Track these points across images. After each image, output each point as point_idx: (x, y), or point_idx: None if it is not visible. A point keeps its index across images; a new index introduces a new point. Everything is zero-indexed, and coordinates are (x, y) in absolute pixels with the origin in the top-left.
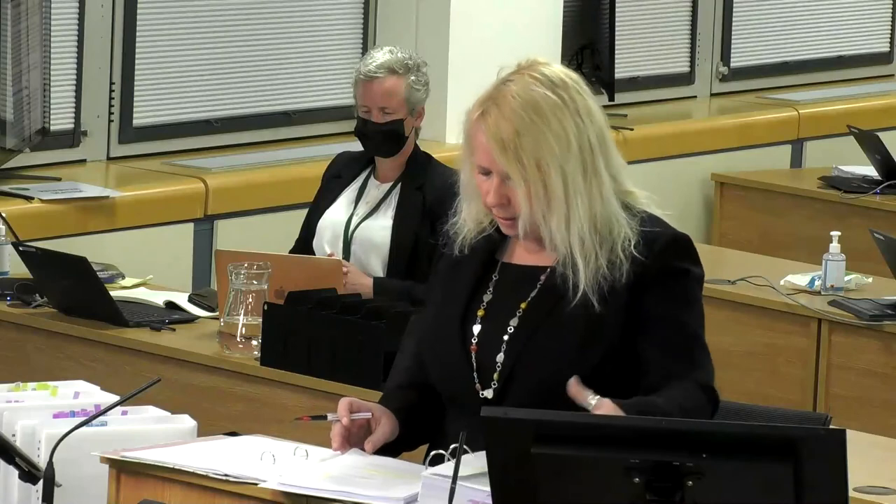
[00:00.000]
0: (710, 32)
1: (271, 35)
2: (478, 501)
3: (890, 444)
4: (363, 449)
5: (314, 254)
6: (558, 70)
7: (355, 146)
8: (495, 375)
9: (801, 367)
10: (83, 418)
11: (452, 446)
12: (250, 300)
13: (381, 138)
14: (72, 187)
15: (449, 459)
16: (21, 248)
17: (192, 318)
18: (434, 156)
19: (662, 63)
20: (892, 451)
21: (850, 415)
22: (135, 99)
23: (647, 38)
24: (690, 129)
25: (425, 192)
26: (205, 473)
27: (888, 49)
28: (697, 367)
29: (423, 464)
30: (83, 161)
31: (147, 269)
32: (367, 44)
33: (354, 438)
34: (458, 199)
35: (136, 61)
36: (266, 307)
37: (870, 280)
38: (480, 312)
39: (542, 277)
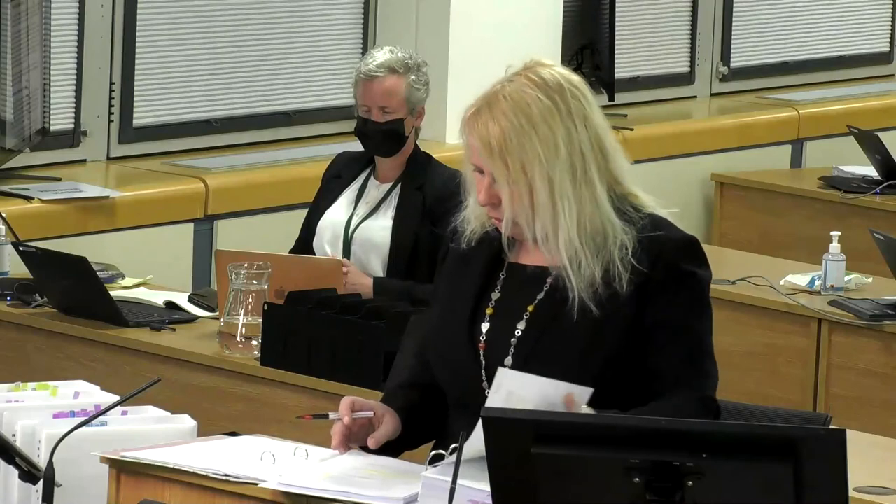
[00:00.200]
0: (710, 32)
1: (271, 35)
2: (478, 501)
3: (890, 444)
4: (365, 446)
5: (314, 254)
6: (558, 72)
7: (355, 146)
8: None
9: (801, 367)
10: (83, 418)
11: (453, 446)
12: (250, 300)
13: (381, 137)
14: (72, 187)
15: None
16: (21, 248)
17: (192, 318)
18: (434, 156)
19: (662, 63)
20: (892, 451)
21: (850, 415)
22: (135, 99)
23: (647, 38)
24: (690, 129)
25: (425, 192)
26: (205, 473)
27: (888, 49)
28: (700, 377)
29: (425, 464)
30: (83, 161)
31: (147, 269)
32: (367, 44)
33: (356, 437)
34: (463, 194)
35: (136, 61)
36: (266, 307)
37: (870, 280)
38: (489, 311)
39: (549, 280)
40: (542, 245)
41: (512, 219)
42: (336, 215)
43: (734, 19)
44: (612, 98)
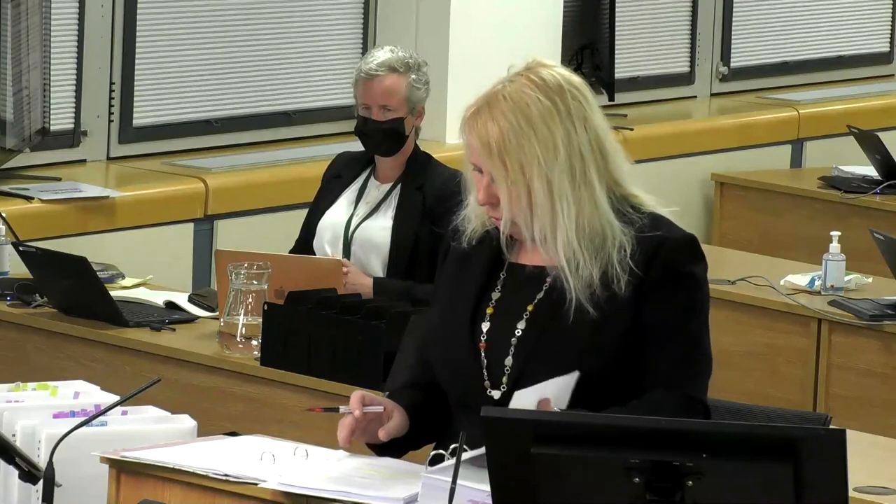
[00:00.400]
0: (710, 32)
1: (271, 35)
2: (478, 501)
3: (890, 444)
4: (372, 443)
5: (314, 254)
6: (558, 73)
7: (355, 146)
8: (504, 378)
9: (801, 367)
10: (83, 418)
11: (452, 446)
12: (250, 300)
13: (382, 136)
14: (72, 187)
15: (449, 459)
16: (21, 248)
17: (192, 318)
18: (434, 156)
19: (662, 63)
20: (892, 451)
21: (850, 415)
22: (135, 99)
23: (647, 38)
24: (690, 129)
25: (425, 192)
26: (205, 473)
27: (888, 49)
28: (689, 378)
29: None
30: (83, 161)
31: (147, 269)
32: (367, 44)
33: (364, 432)
34: (463, 194)
35: (136, 61)
36: (266, 307)
37: (870, 280)
38: (490, 310)
39: (548, 280)
40: (540, 246)
41: (510, 219)
42: (336, 215)
43: (734, 19)
44: (612, 98)
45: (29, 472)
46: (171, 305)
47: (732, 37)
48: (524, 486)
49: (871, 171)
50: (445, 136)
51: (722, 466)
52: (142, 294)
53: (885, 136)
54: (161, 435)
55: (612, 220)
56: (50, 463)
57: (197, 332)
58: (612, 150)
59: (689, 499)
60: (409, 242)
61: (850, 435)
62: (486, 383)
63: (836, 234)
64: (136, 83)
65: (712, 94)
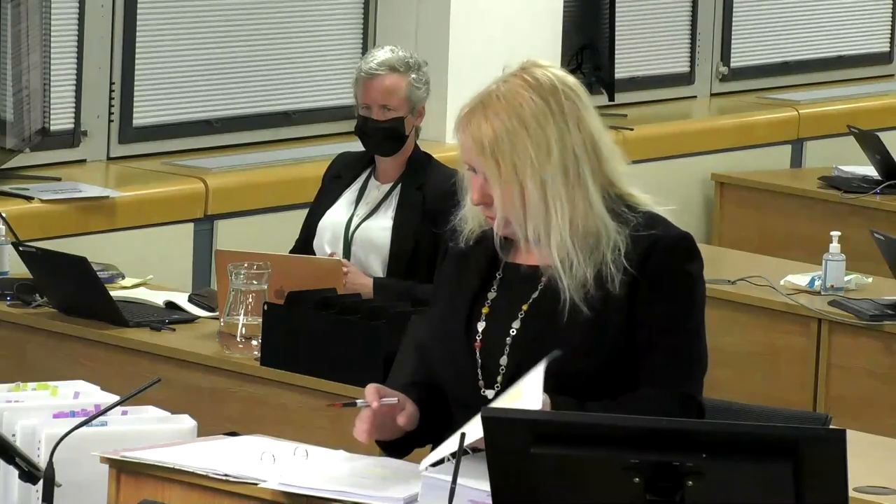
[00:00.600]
0: (710, 32)
1: (271, 35)
2: (478, 501)
3: (890, 444)
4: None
5: (314, 254)
6: (553, 74)
7: (355, 146)
8: (499, 378)
9: (801, 367)
10: (83, 418)
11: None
12: (250, 300)
13: (382, 136)
14: (72, 187)
15: (449, 459)
16: (21, 248)
17: (192, 318)
18: (434, 156)
19: (662, 63)
20: (892, 451)
21: (850, 415)
22: (135, 99)
23: (647, 38)
24: (690, 129)
25: (425, 192)
26: (205, 473)
27: (888, 49)
28: (682, 375)
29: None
30: (83, 161)
31: (147, 269)
32: (367, 44)
33: (381, 425)
34: (460, 193)
35: (136, 61)
36: (266, 307)
37: (870, 280)
38: (485, 310)
39: (543, 280)
40: (534, 245)
41: (504, 218)
42: (336, 216)
43: (734, 19)
44: (612, 98)
45: (29, 472)
46: (171, 305)
47: (732, 37)
48: (524, 486)
49: (871, 171)
50: (445, 136)
51: (722, 466)
52: (142, 294)
53: (885, 136)
54: (161, 435)
55: (606, 219)
56: (50, 463)
57: (197, 332)
58: (606, 150)
59: (689, 499)
60: (409, 242)
61: (850, 435)
62: (481, 382)
63: (836, 234)
64: (136, 83)
65: (712, 94)
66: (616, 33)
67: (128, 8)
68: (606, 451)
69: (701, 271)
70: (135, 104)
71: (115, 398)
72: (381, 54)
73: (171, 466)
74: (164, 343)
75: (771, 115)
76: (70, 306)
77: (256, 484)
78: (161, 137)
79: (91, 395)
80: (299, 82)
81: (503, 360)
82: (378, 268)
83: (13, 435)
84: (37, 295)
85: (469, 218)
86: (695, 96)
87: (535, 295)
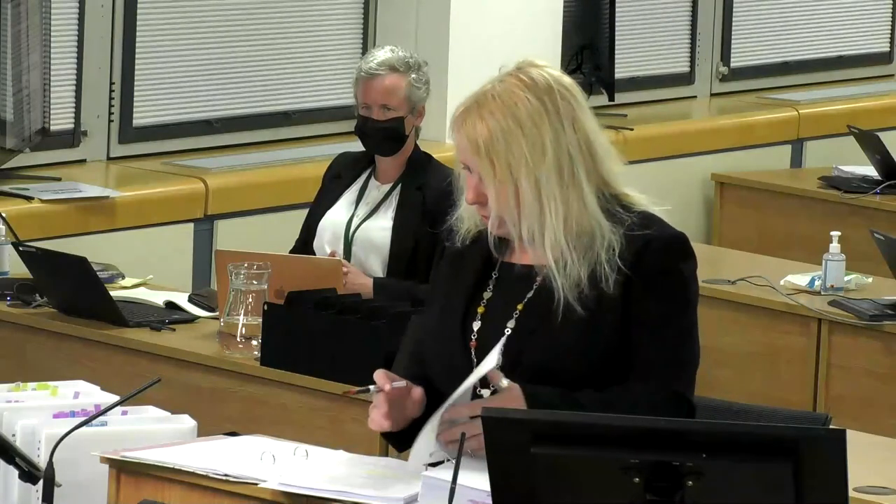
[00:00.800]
0: (710, 32)
1: (271, 35)
2: (478, 501)
3: (890, 444)
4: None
5: (314, 254)
6: (548, 74)
7: (355, 146)
8: None
9: (801, 367)
10: (83, 418)
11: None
12: (250, 300)
13: (382, 136)
14: (72, 187)
15: (448, 460)
16: (21, 248)
17: (192, 318)
18: (434, 156)
19: (662, 63)
20: (892, 451)
21: (850, 415)
22: (135, 99)
23: (647, 38)
24: (690, 129)
25: (425, 192)
26: (205, 473)
27: (888, 49)
28: (676, 373)
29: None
30: (83, 161)
31: (147, 269)
32: (367, 44)
33: (391, 413)
34: (455, 193)
35: (136, 61)
36: (266, 307)
37: (870, 280)
38: (481, 309)
39: (538, 279)
40: (528, 245)
41: (498, 218)
42: (336, 216)
43: (734, 19)
44: (612, 98)
45: (29, 472)
46: (171, 305)
47: (732, 37)
48: (524, 486)
49: (871, 171)
50: (445, 136)
51: (722, 466)
52: (142, 294)
53: (885, 136)
54: (161, 435)
55: (600, 219)
56: (50, 463)
57: (197, 332)
58: (601, 150)
59: (689, 499)
60: (408, 242)
61: (850, 435)
62: (476, 383)
63: (836, 234)
64: (136, 83)
65: (712, 94)
66: (616, 33)
67: (128, 8)
68: (606, 451)
69: (694, 271)
70: (135, 104)
71: (115, 398)
72: (381, 54)
73: (171, 466)
74: (164, 343)
75: (771, 115)
76: (70, 306)
77: (256, 484)
78: (161, 137)
79: (91, 395)
80: (299, 82)
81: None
82: (378, 268)
83: (13, 435)
84: (37, 295)
85: (465, 218)
86: (695, 96)
87: (529, 294)
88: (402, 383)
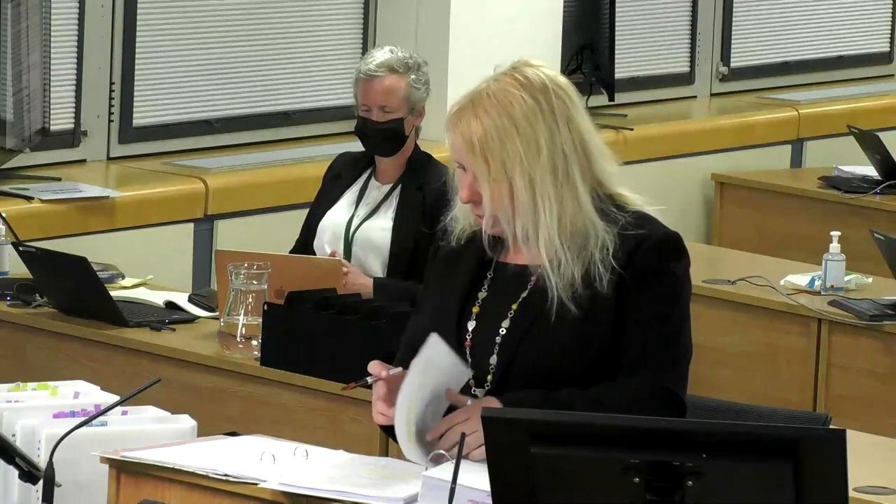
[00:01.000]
0: (710, 32)
1: (271, 35)
2: (478, 501)
3: (890, 444)
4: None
5: (314, 255)
6: (544, 73)
7: (355, 146)
8: (489, 377)
9: (801, 367)
10: (83, 418)
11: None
12: (250, 300)
13: (382, 137)
14: (72, 187)
15: (448, 459)
16: (21, 248)
17: (192, 318)
18: (434, 156)
19: (662, 63)
20: (892, 451)
21: (850, 415)
22: (135, 99)
23: (647, 38)
24: (690, 129)
25: (425, 192)
26: (205, 473)
27: (888, 49)
28: (665, 368)
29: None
30: (83, 161)
31: (147, 269)
32: (367, 44)
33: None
34: (450, 192)
35: (136, 61)
36: (266, 307)
37: (870, 280)
38: (475, 309)
39: (532, 279)
40: (522, 244)
41: (493, 217)
42: (337, 216)
43: (734, 19)
44: (612, 98)
45: (29, 472)
46: (171, 305)
47: (732, 37)
48: (524, 486)
49: (871, 171)
50: (445, 136)
51: (722, 466)
52: (142, 294)
53: (885, 136)
54: (161, 435)
55: (594, 219)
56: (50, 463)
57: (197, 332)
58: (596, 150)
59: (689, 499)
60: (408, 242)
61: (850, 435)
62: (471, 381)
63: (836, 234)
64: (136, 83)
65: (712, 94)
66: (616, 33)
67: (128, 8)
68: (606, 451)
69: (687, 270)
70: (135, 104)
71: (115, 398)
72: (380, 55)
73: (171, 466)
74: (164, 343)
75: (771, 115)
76: (70, 306)
77: (256, 484)
78: (161, 137)
79: (91, 395)
80: (299, 82)
81: (493, 360)
82: (378, 268)
83: (13, 435)
84: (37, 295)
85: (459, 217)
86: (695, 96)
87: (524, 294)
88: (398, 370)
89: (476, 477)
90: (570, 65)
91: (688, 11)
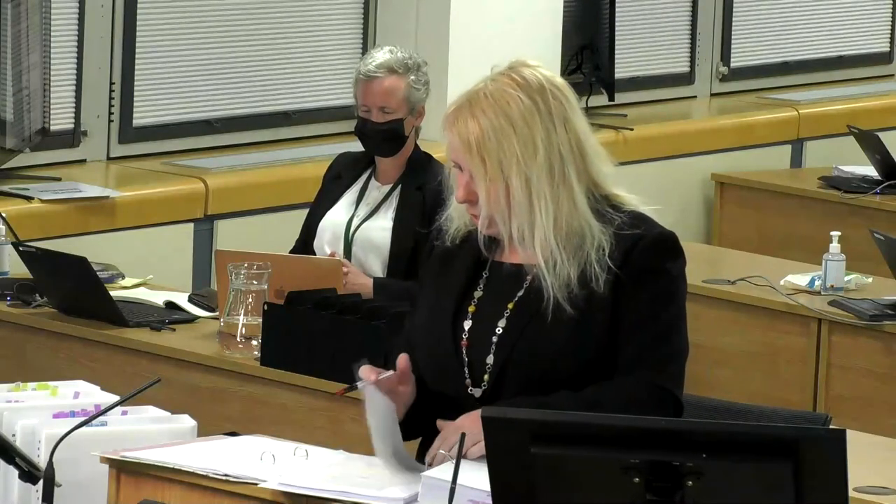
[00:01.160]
0: (710, 32)
1: (271, 35)
2: (478, 501)
3: (890, 444)
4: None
5: (314, 255)
6: (541, 73)
7: (355, 146)
8: (485, 377)
9: (801, 367)
10: (83, 418)
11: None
12: (250, 300)
13: (381, 138)
14: (72, 187)
15: (449, 459)
16: (21, 248)
17: (192, 318)
18: (434, 156)
19: (662, 63)
20: (892, 451)
21: (850, 415)
22: (135, 99)
23: (647, 38)
24: (690, 129)
25: (425, 192)
26: (205, 473)
27: (888, 49)
28: (661, 367)
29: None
30: (83, 161)
31: (147, 269)
32: (367, 44)
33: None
34: (445, 192)
35: (136, 61)
36: (266, 307)
37: (870, 280)
38: (471, 309)
39: (528, 278)
40: (518, 244)
41: (488, 216)
42: (337, 216)
43: (734, 19)
44: (612, 98)
45: (29, 472)
46: (171, 305)
47: (732, 37)
48: (524, 486)
49: (871, 171)
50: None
51: (722, 466)
52: (142, 294)
53: (885, 136)
54: (161, 435)
55: (590, 219)
56: (50, 463)
57: (197, 332)
58: (592, 150)
59: (689, 499)
60: (409, 243)
61: (850, 435)
62: (468, 381)
63: (836, 234)
64: (136, 83)
65: (712, 94)
66: (616, 33)
67: (128, 8)
68: (606, 451)
69: (683, 270)
70: (135, 104)
71: (115, 398)
72: (379, 56)
73: (171, 466)
74: (164, 343)
75: (771, 115)
76: (70, 306)
77: (256, 484)
78: (161, 137)
79: (91, 395)
80: (299, 82)
81: (489, 359)
82: (378, 268)
83: (13, 435)
84: (37, 295)
85: (455, 217)
86: (695, 96)
87: (520, 293)
88: (389, 373)
89: (476, 477)
90: (570, 65)
91: (688, 11)
